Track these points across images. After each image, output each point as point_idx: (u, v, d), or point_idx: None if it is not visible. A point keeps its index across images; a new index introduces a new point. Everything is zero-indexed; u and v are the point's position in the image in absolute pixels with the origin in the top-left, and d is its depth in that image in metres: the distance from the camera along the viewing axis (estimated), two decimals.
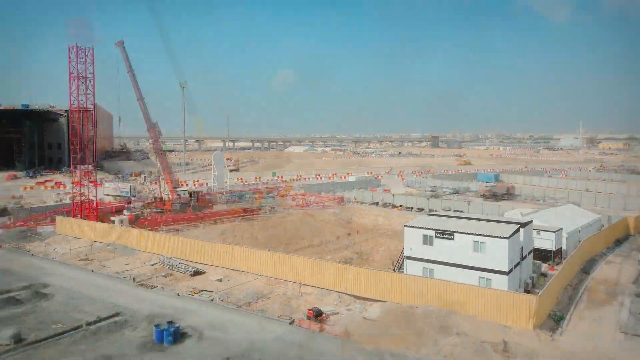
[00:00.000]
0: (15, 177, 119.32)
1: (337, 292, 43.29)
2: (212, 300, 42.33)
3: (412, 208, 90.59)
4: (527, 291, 43.99)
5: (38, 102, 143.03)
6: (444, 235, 43.06)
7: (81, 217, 75.31)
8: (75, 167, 75.47)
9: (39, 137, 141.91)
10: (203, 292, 44.25)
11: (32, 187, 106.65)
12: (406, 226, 46.67)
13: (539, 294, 37.33)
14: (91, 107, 76.55)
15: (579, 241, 59.45)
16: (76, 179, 75.71)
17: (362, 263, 54.93)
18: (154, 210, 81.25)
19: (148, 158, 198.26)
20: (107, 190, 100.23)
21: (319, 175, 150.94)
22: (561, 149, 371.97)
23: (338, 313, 39.48)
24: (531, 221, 48.71)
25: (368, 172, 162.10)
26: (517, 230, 42.57)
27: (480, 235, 41.44)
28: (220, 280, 48.01)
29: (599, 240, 59.52)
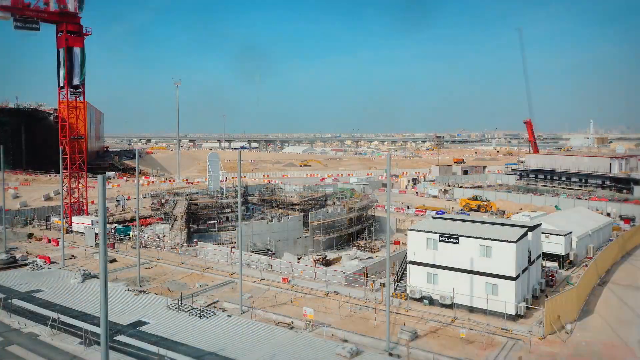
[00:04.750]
0: None
1: None
2: None
3: None
4: (535, 297, 44.07)
5: (25, 101, 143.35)
6: (449, 239, 43.03)
7: (70, 219, 75.38)
8: (65, 168, 75.44)
9: (27, 137, 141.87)
10: None
11: None
12: (409, 230, 46.68)
13: (548, 299, 37.36)
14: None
15: (592, 246, 59.55)
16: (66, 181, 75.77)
17: None
18: None
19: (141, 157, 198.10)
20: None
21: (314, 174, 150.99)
22: (569, 149, 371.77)
23: None
24: (540, 224, 48.72)
25: (367, 174, 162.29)
26: (525, 234, 42.55)
27: (487, 239, 41.39)
28: None
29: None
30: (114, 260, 58.38)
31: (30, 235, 72.20)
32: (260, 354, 33.73)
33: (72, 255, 61.07)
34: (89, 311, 42.25)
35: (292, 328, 38.37)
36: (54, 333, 37.11)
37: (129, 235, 69.83)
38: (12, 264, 57.39)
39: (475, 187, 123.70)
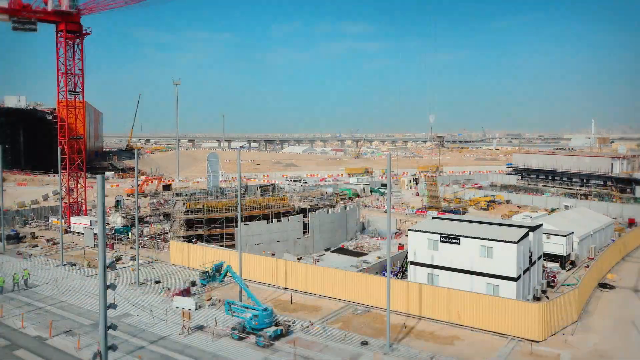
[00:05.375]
0: None
1: None
2: None
3: None
4: (536, 298, 44.08)
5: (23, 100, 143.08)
6: (450, 240, 43.06)
7: (69, 219, 75.38)
8: (64, 168, 75.45)
9: (25, 137, 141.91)
10: None
11: None
12: (410, 230, 46.74)
13: (549, 300, 37.36)
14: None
15: (593, 246, 59.58)
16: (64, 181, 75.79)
17: None
18: None
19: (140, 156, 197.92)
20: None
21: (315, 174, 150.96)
22: (572, 149, 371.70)
23: None
24: (541, 225, 48.71)
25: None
26: (527, 235, 42.58)
27: (488, 239, 41.43)
28: None
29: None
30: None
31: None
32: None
33: (71, 257, 61.23)
34: (90, 308, 42.52)
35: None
36: (55, 334, 37.21)
37: (127, 235, 69.85)
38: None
39: (476, 188, 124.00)
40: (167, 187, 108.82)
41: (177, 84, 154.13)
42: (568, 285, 47.94)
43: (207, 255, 53.52)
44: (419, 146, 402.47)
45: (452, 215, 73.23)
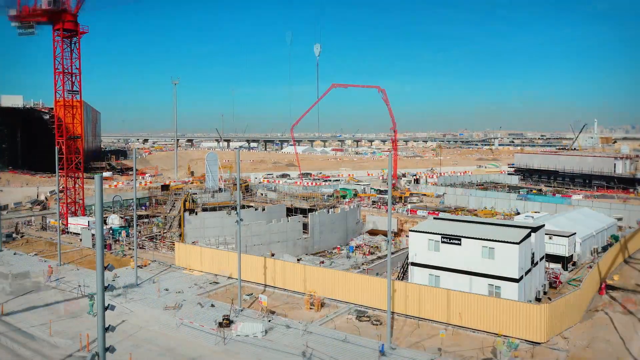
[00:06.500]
0: None
1: None
2: None
3: None
4: (538, 299, 44.04)
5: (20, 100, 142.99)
6: (451, 241, 43.02)
7: (67, 220, 75.34)
8: (61, 168, 75.46)
9: (23, 136, 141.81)
10: None
11: None
12: (411, 231, 46.71)
13: (552, 301, 37.31)
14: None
15: (596, 248, 59.48)
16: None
17: None
18: None
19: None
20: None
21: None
22: (574, 149, 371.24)
23: None
24: (543, 225, 48.65)
25: (368, 174, 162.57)
26: (528, 235, 42.54)
27: (489, 240, 41.38)
28: None
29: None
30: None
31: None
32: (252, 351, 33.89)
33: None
34: None
35: (288, 328, 38.51)
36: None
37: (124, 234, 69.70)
38: None
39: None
40: (165, 187, 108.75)
41: (175, 83, 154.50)
42: (573, 286, 47.88)
43: (204, 257, 53.48)
44: (420, 145, 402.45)
45: (453, 216, 73.23)
